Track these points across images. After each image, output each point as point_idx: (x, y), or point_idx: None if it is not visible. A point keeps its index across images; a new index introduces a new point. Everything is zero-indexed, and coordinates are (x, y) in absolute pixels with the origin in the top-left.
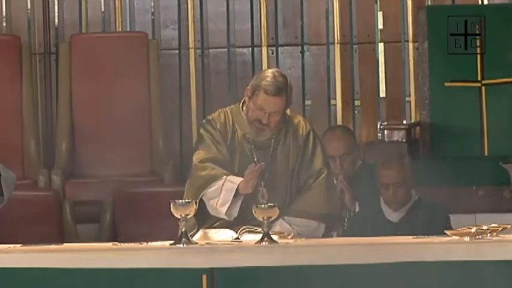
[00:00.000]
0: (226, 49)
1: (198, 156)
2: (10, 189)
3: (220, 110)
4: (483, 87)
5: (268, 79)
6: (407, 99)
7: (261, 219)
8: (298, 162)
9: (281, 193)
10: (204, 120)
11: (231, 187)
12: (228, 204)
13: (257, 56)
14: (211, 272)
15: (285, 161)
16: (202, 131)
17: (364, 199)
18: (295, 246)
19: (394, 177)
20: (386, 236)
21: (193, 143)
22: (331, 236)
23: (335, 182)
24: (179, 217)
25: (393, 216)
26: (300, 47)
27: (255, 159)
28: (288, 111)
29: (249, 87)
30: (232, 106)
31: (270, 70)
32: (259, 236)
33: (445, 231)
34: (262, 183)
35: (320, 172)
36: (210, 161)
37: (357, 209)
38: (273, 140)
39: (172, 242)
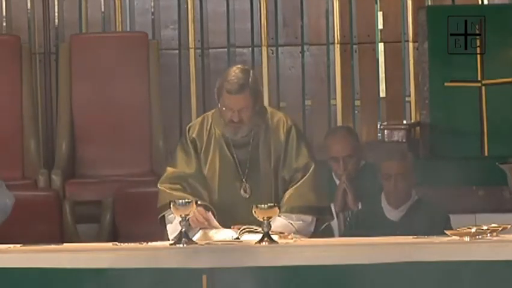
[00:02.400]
0: (226, 49)
1: (163, 176)
2: (1, 217)
3: (204, 114)
4: (483, 87)
5: (229, 78)
6: (407, 99)
7: (261, 219)
8: (282, 158)
9: (264, 189)
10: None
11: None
12: (175, 234)
13: (257, 56)
14: (211, 272)
15: (266, 157)
16: (178, 145)
17: (366, 198)
18: (295, 246)
19: (396, 168)
20: (385, 235)
21: None
22: (325, 227)
23: (338, 182)
24: (179, 217)
25: (393, 214)
26: (300, 47)
27: (235, 157)
28: (269, 109)
29: (215, 89)
30: (215, 109)
31: (232, 68)
32: (259, 236)
33: (445, 231)
34: (244, 178)
35: (308, 166)
36: (170, 181)
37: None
38: (252, 137)
39: (172, 242)
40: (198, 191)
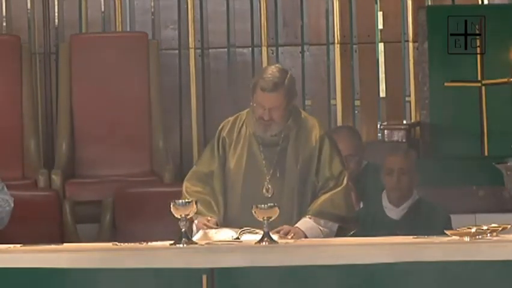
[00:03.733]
0: (226, 49)
1: (188, 175)
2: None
3: (238, 113)
4: (483, 87)
5: (265, 75)
6: (407, 99)
7: (261, 219)
8: (315, 166)
9: (287, 190)
10: None
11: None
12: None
13: (257, 56)
14: (211, 272)
15: (294, 159)
16: (209, 143)
17: (368, 198)
18: (295, 246)
19: (399, 162)
20: (386, 234)
21: (193, 143)
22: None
23: None
24: (179, 217)
25: (394, 213)
26: (300, 47)
27: (262, 156)
28: (303, 113)
29: (251, 85)
30: (249, 107)
31: (270, 67)
32: (259, 236)
33: (445, 231)
34: (268, 178)
35: (342, 174)
36: (191, 182)
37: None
38: (281, 138)
39: (172, 242)
40: (215, 193)
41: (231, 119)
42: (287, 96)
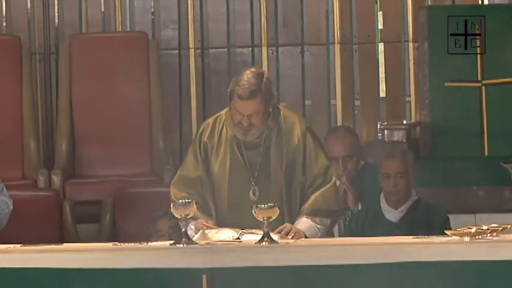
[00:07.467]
0: (226, 49)
1: (174, 177)
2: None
3: (218, 114)
4: (483, 87)
5: (241, 83)
6: (407, 99)
7: (261, 219)
8: (302, 164)
9: (274, 191)
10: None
11: (191, 233)
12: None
13: (257, 56)
14: (211, 272)
15: (277, 159)
16: (191, 146)
17: (365, 199)
18: (295, 246)
19: (395, 167)
20: (385, 236)
21: None
22: (332, 234)
23: (338, 183)
24: (179, 217)
25: (392, 215)
26: (300, 47)
27: (245, 159)
28: (282, 111)
29: (228, 90)
30: (228, 107)
31: (245, 72)
32: (259, 236)
33: (445, 231)
34: (253, 181)
35: (329, 170)
36: (178, 187)
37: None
38: (263, 139)
39: (172, 242)
40: (205, 199)
41: (210, 121)
42: (265, 102)
